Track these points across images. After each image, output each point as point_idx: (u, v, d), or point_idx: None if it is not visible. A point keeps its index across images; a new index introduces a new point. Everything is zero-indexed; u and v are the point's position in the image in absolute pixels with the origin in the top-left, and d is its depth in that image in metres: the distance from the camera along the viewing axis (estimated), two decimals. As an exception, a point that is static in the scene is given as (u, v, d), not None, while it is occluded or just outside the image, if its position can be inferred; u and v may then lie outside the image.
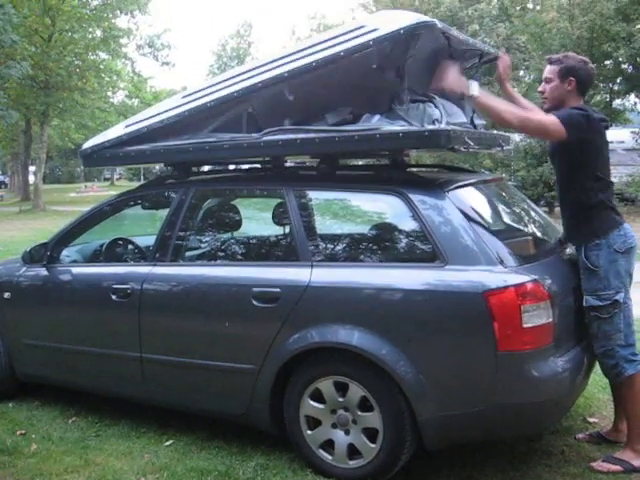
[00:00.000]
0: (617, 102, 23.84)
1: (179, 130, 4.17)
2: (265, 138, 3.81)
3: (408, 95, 3.70)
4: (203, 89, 4.24)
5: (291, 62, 3.79)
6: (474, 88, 3.51)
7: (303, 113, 3.91)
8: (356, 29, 3.68)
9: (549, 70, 3.75)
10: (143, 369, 4.19)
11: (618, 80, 21.33)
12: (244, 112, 3.98)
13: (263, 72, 3.90)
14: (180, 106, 4.19)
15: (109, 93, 38.53)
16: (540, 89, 3.83)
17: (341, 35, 3.73)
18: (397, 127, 3.48)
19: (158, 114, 4.30)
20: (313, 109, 3.89)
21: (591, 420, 4.31)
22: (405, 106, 3.65)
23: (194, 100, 4.15)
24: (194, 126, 4.12)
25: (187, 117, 4.10)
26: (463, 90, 3.50)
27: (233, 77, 4.14)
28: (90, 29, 30.86)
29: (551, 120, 3.47)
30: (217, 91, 4.06)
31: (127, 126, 4.49)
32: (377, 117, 3.66)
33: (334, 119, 3.75)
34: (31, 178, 38.00)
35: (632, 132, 20.00)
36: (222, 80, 4.23)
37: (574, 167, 3.61)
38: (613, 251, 3.54)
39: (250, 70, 4.06)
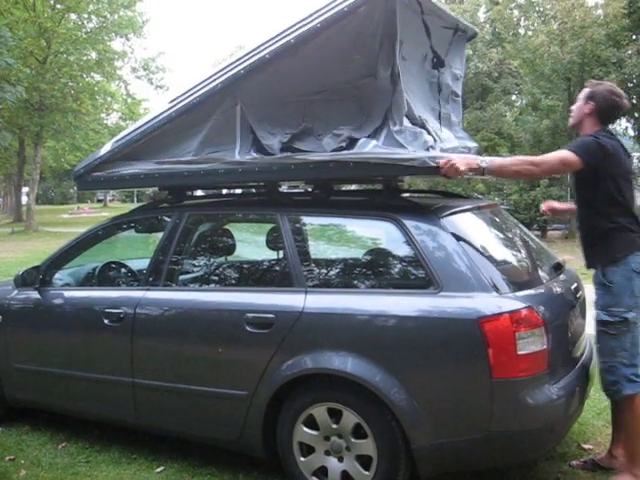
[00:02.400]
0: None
1: (171, 135, 4.17)
2: (260, 163, 3.82)
3: (405, 105, 3.68)
4: (188, 90, 4.23)
5: (271, 45, 3.83)
6: (484, 159, 3.54)
7: (293, 104, 3.90)
8: (330, 3, 3.74)
9: (582, 92, 3.88)
10: (135, 394, 4.15)
11: (609, 105, 21.50)
12: (233, 109, 3.98)
13: (245, 60, 3.92)
14: (168, 110, 4.20)
15: (103, 115, 38.63)
16: (572, 107, 3.96)
17: (316, 12, 3.77)
18: (392, 154, 3.48)
19: (148, 121, 4.31)
20: (303, 103, 3.90)
21: (586, 447, 4.28)
22: (402, 127, 3.64)
23: (180, 101, 4.16)
24: (186, 130, 4.12)
25: (175, 119, 4.11)
26: (474, 165, 3.47)
27: (217, 72, 4.13)
28: (85, 51, 30.99)
29: (566, 153, 3.54)
30: (201, 88, 4.07)
31: (117, 140, 4.47)
32: (373, 143, 3.67)
33: (331, 145, 3.75)
34: (24, 199, 37.97)
35: (623, 156, 20.14)
36: (206, 78, 4.21)
37: (591, 192, 3.66)
38: (630, 270, 3.56)
39: (233, 62, 4.05)
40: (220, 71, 4.10)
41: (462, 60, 4.82)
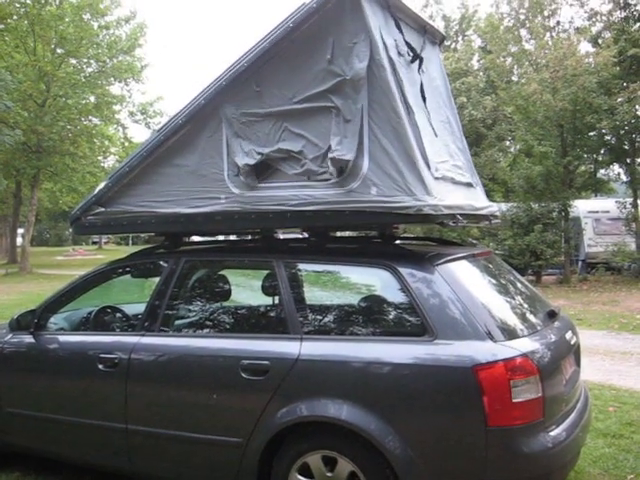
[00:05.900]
0: (601, 172, 24.29)
1: (161, 162, 4.20)
2: (256, 209, 3.85)
3: (397, 94, 3.61)
4: (175, 115, 4.26)
5: (250, 54, 3.90)
6: None
7: (271, 118, 3.91)
8: (300, 6, 3.80)
9: None
10: (128, 441, 4.12)
11: (602, 151, 21.74)
12: (219, 126, 4.02)
13: (226, 73, 3.97)
14: (156, 137, 4.25)
15: (100, 158, 38.79)
16: None
17: (290, 15, 3.82)
18: (388, 202, 3.51)
19: (138, 152, 4.34)
20: (281, 116, 3.90)
21: (582, 496, 4.25)
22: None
23: (167, 126, 4.20)
24: (177, 153, 4.15)
25: (164, 142, 4.15)
26: None
27: (202, 90, 4.12)
28: (84, 95, 31.28)
29: None
30: (187, 109, 4.10)
31: (110, 177, 4.49)
32: (363, 172, 3.66)
33: (316, 171, 3.77)
34: (19, 240, 37.86)
35: (617, 202, 20.30)
36: (191, 98, 4.21)
37: None
38: None
39: (216, 78, 4.06)
40: (204, 89, 4.10)
41: (441, 69, 4.83)
